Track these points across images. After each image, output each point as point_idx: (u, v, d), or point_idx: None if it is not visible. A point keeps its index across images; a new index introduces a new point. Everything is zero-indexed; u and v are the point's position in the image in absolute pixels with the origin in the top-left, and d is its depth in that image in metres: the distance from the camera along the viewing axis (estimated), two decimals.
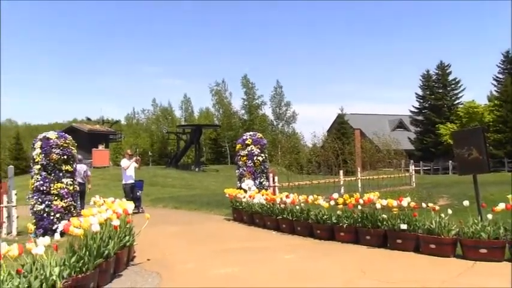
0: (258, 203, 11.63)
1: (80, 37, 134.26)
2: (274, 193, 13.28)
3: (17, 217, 11.50)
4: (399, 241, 7.79)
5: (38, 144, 10.78)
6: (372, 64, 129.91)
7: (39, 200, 10.56)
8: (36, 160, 10.73)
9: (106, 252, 6.21)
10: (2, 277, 4.53)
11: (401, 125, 63.24)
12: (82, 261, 5.53)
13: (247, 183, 13.28)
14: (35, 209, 10.58)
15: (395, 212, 8.07)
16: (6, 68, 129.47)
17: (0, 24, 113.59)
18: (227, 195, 13.41)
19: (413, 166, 23.08)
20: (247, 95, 72.84)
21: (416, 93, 56.33)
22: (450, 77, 54.94)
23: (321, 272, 6.70)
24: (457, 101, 53.96)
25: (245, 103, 72.83)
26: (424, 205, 8.09)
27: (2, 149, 71.29)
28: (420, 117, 55.28)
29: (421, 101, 55.88)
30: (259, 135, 14.58)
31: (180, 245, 9.51)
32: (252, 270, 6.92)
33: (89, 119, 56.13)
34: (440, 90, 54.50)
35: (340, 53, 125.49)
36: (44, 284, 4.72)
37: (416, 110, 56.63)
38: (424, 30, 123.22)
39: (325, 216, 9.30)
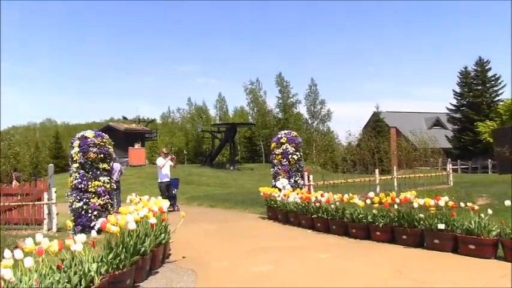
0: (292, 202, 11.60)
1: (115, 37, 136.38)
2: (309, 192, 13.21)
3: (57, 214, 11.75)
4: (436, 241, 7.64)
5: (76, 143, 10.96)
6: (408, 61, 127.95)
7: (78, 197, 10.75)
8: (74, 159, 10.91)
9: (142, 249, 6.29)
10: (44, 271, 4.64)
11: (438, 123, 61.95)
12: (119, 258, 5.61)
13: (282, 182, 13.26)
14: (73, 207, 10.78)
15: (432, 212, 7.92)
16: (45, 69, 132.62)
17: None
18: (262, 194, 13.43)
19: (450, 165, 22.59)
20: (282, 93, 72.66)
21: (453, 91, 55.17)
22: (489, 73, 53.54)
23: (356, 271, 6.63)
24: (496, 98, 52.43)
25: (280, 101, 72.70)
26: (462, 204, 7.92)
27: (43, 147, 73.16)
28: (458, 115, 54.07)
29: (459, 98, 54.67)
30: (294, 133, 14.53)
31: (215, 243, 9.55)
32: (287, 269, 6.90)
33: (125, 118, 56.72)
34: (479, 87, 53.15)
35: (376, 50, 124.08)
36: (83, 280, 4.81)
37: (453, 108, 55.47)
38: (462, 25, 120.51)
39: (360, 215, 9.21)
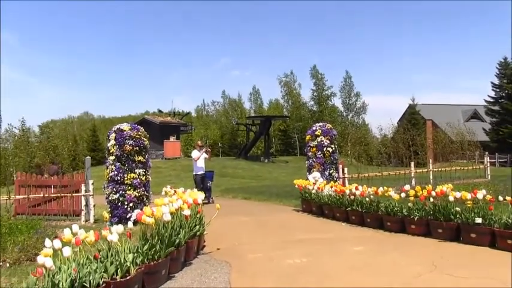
0: (326, 195, 11.57)
1: (151, 31, 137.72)
2: (343, 184, 13.14)
3: (94, 205, 11.99)
4: (473, 235, 7.50)
5: (113, 135, 11.11)
6: (445, 53, 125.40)
7: (114, 189, 10.90)
8: (111, 151, 11.06)
9: (177, 241, 6.37)
10: (81, 261, 4.75)
11: (475, 116, 60.39)
12: (154, 249, 5.70)
13: (314, 175, 13.22)
14: (110, 198, 10.95)
15: (469, 205, 7.78)
16: (83, 64, 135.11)
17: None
18: (296, 186, 13.42)
19: (488, 158, 22.06)
20: (317, 85, 72.45)
21: (492, 82, 53.66)
22: None
23: (390, 264, 6.57)
24: None
25: (314, 94, 72.55)
26: (500, 198, 7.75)
27: (80, 140, 74.73)
28: (496, 107, 52.61)
29: (498, 90, 53.21)
30: (329, 126, 14.45)
31: (249, 235, 9.59)
32: (321, 261, 6.88)
33: (160, 111, 57.27)
34: None
35: (412, 42, 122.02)
36: (119, 270, 4.91)
37: (492, 100, 54.05)
38: (502, 15, 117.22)
39: (395, 208, 9.13)
